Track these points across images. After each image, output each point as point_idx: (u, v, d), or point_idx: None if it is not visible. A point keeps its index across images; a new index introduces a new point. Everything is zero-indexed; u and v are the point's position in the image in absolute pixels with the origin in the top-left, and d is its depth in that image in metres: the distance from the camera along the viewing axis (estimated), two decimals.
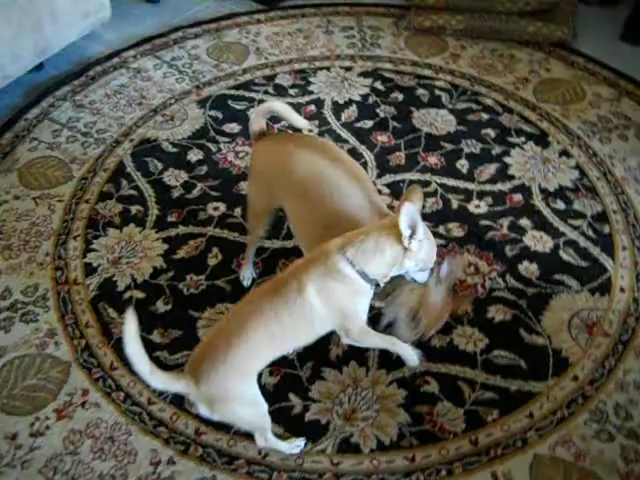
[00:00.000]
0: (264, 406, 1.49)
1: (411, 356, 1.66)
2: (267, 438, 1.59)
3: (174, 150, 2.47)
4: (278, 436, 1.65)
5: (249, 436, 1.66)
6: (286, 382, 1.79)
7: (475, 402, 1.75)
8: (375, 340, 1.60)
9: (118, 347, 1.85)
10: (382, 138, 2.52)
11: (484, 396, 1.76)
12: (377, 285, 1.47)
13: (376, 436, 1.68)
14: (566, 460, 1.63)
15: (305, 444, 1.67)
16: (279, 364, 1.79)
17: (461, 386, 1.78)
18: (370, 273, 1.42)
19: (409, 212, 1.36)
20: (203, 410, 1.44)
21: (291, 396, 1.76)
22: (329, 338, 1.85)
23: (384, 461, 1.64)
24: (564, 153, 2.47)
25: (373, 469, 1.62)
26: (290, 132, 2.35)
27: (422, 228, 1.40)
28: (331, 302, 1.44)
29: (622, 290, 2.01)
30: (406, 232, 1.37)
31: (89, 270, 2.07)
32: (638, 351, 1.85)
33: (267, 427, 1.55)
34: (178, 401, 1.75)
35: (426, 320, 1.63)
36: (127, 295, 2.00)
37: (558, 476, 1.61)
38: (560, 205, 2.27)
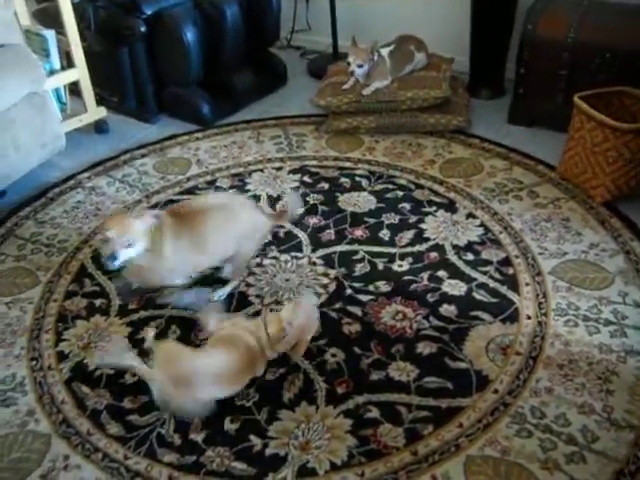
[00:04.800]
0: None
1: None
2: None
3: None
4: (241, 472, 1.88)
5: (217, 474, 1.88)
6: (246, 426, 2.01)
7: (412, 421, 2.00)
8: None
9: (93, 417, 2.07)
10: (313, 220, 2.89)
11: (419, 415, 2.01)
12: None
13: (329, 459, 1.91)
14: (494, 456, 1.89)
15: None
16: (239, 411, 2.05)
17: (399, 409, 2.03)
18: None
19: None
20: None
21: (251, 437, 1.98)
22: (282, 384, 2.12)
23: (338, 479, 1.86)
24: (470, 215, 2.87)
25: None
26: None
27: None
28: None
29: (528, 317, 2.33)
30: None
31: (61, 357, 2.29)
32: (546, 363, 2.16)
33: None
34: (151, 454, 1.95)
35: None
36: (97, 373, 2.22)
37: (489, 470, 1.85)
38: (470, 257, 2.63)
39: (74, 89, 3.64)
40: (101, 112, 3.67)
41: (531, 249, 2.65)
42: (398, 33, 3.63)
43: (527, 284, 2.48)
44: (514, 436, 1.94)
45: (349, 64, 3.42)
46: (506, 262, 2.59)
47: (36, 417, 2.09)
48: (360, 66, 3.40)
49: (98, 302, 2.52)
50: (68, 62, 3.49)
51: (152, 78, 3.75)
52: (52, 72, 3.40)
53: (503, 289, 2.46)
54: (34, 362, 2.28)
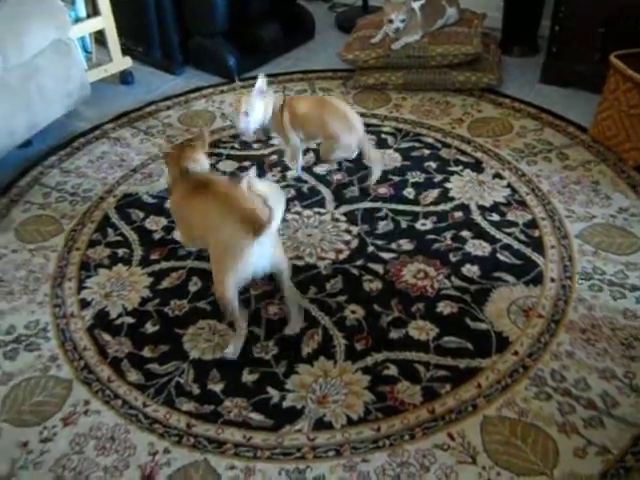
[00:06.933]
0: None
1: None
2: None
3: (153, 201, 2.78)
4: (258, 423, 1.90)
5: (234, 424, 1.90)
6: (264, 378, 2.02)
7: (430, 379, 2.00)
8: None
9: (114, 364, 2.10)
10: (337, 177, 2.86)
11: (437, 374, 2.01)
12: None
13: (346, 414, 1.91)
14: (511, 417, 1.88)
15: None
16: (258, 364, 2.06)
17: (417, 368, 2.03)
18: None
19: None
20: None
21: (269, 389, 1.99)
22: (301, 338, 2.13)
23: (354, 433, 1.86)
24: (497, 176, 2.81)
25: (344, 440, 1.85)
26: None
27: None
28: None
29: (552, 280, 2.30)
30: None
31: (84, 304, 2.32)
32: (568, 327, 2.13)
33: None
34: (170, 402, 1.98)
35: None
36: (119, 321, 2.24)
37: (505, 430, 1.84)
38: (495, 217, 2.59)
39: (99, 38, 3.60)
40: (127, 62, 3.64)
41: (558, 212, 2.60)
42: None
43: (552, 247, 2.44)
44: (532, 398, 1.92)
45: (392, 21, 3.32)
46: (532, 224, 2.55)
47: (58, 363, 2.12)
48: (403, 21, 3.31)
49: (121, 252, 2.53)
50: (94, 10, 3.45)
51: (178, 28, 3.71)
52: (77, 20, 3.37)
53: (528, 251, 2.42)
54: (57, 309, 2.31)
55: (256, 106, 2.60)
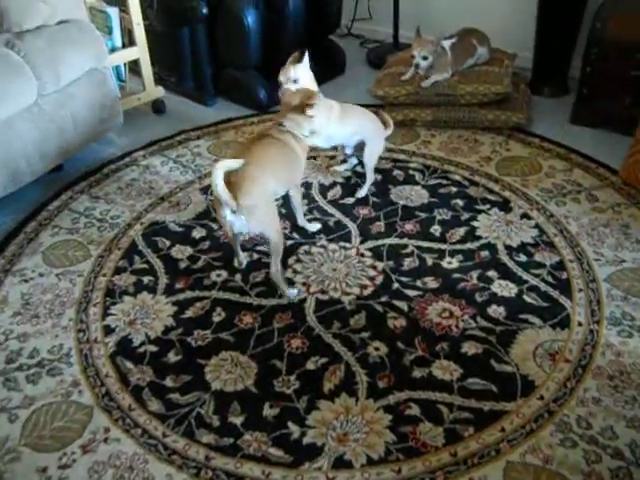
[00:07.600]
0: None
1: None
2: (277, 265, 2.36)
3: (180, 230, 2.80)
4: (277, 459, 1.87)
5: (253, 458, 1.88)
6: (285, 413, 2.01)
7: (453, 421, 1.96)
8: None
9: (135, 392, 2.10)
10: (364, 211, 2.86)
11: (461, 416, 1.98)
12: None
13: (366, 453, 1.88)
14: (535, 464, 1.84)
15: (299, 291, 2.43)
16: (279, 398, 2.04)
17: (440, 409, 2.00)
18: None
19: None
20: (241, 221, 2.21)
21: (290, 424, 1.97)
22: (323, 374, 2.11)
23: (374, 474, 1.83)
24: (525, 216, 2.79)
25: None
26: None
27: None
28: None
29: (579, 324, 2.26)
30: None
31: (108, 330, 2.32)
32: (595, 373, 2.09)
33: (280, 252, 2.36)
34: (189, 433, 1.96)
35: None
36: (142, 349, 2.24)
37: (529, 477, 1.80)
38: (522, 258, 2.56)
39: (133, 68, 3.68)
40: (159, 91, 3.71)
41: (587, 254, 2.57)
42: (461, 25, 3.56)
43: (580, 290, 2.41)
44: (557, 445, 1.88)
45: (414, 57, 3.36)
46: (560, 266, 2.52)
47: (80, 388, 2.12)
48: (425, 58, 3.33)
49: (146, 279, 2.54)
50: (129, 40, 3.53)
51: (211, 60, 3.77)
52: (113, 49, 3.45)
53: (555, 293, 2.39)
54: (81, 334, 2.32)
55: (304, 76, 2.83)
